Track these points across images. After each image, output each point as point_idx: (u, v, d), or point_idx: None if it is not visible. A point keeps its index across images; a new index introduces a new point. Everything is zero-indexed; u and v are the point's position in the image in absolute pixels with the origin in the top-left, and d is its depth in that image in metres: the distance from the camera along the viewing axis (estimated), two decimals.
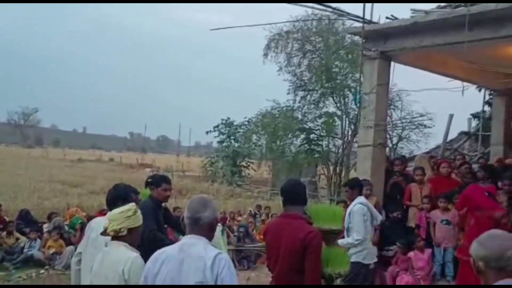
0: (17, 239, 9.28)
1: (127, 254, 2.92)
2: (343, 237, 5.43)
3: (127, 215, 2.98)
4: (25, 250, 8.96)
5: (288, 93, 20.06)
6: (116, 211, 3.03)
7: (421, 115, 18.63)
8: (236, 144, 22.08)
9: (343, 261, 3.85)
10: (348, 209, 5.61)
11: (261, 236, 11.11)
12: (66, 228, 9.93)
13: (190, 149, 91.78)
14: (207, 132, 22.88)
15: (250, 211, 13.38)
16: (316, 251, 3.41)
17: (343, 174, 19.57)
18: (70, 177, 21.85)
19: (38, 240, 9.20)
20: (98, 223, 3.58)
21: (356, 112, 18.27)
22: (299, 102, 19.87)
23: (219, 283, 2.40)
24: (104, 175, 25.00)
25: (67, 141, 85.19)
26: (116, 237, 2.97)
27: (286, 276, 3.49)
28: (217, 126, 22.42)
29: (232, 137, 22.31)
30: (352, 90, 18.09)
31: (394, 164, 7.79)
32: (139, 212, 3.07)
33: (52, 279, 8.17)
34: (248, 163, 22.12)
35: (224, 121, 22.27)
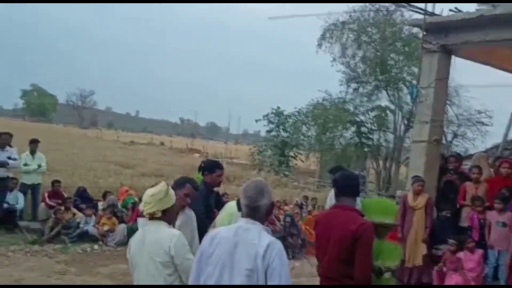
0: (74, 214, 9.70)
1: (170, 232, 3.02)
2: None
3: (158, 197, 3.04)
4: (81, 225, 9.37)
5: (340, 85, 19.82)
6: (148, 193, 3.10)
7: (479, 112, 17.90)
8: (285, 134, 22.07)
9: (394, 255, 3.80)
10: None
11: (307, 227, 11.11)
12: (119, 207, 10.29)
13: (238, 137, 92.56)
14: (256, 121, 23.00)
15: (297, 201, 13.37)
16: (367, 244, 3.39)
17: (393, 170, 19.18)
18: (123, 159, 22.52)
19: (93, 217, 9.59)
20: None
21: (410, 107, 17.84)
22: (351, 94, 19.59)
23: (269, 273, 2.38)
24: (155, 158, 25.63)
25: (120, 124, 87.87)
26: (152, 218, 3.06)
27: (334, 266, 3.48)
28: (267, 115, 22.47)
29: (281, 127, 22.31)
30: (407, 84, 17.63)
31: (449, 161, 7.58)
32: (171, 191, 3.13)
33: (105, 254, 8.53)
34: (296, 154, 22.05)
35: (274, 111, 22.30)
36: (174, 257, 2.91)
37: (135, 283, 3.08)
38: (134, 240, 3.12)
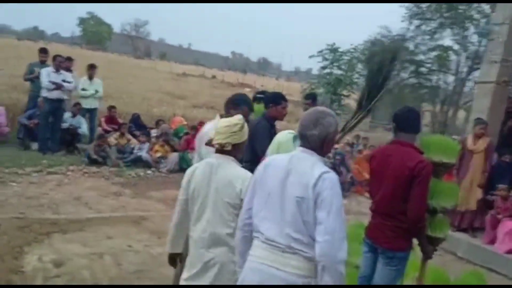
0: (128, 140, 10.02)
1: (242, 172, 2.87)
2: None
3: (233, 130, 2.90)
4: (135, 151, 9.68)
5: (402, 21, 18.73)
6: (223, 123, 2.94)
7: None
8: (339, 72, 21.44)
9: (451, 195, 3.68)
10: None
11: (356, 166, 11.02)
12: (172, 135, 10.52)
13: (289, 74, 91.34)
14: (310, 57, 22.31)
15: (348, 140, 13.19)
16: (425, 181, 3.28)
17: (450, 114, 18.42)
18: (175, 89, 22.83)
19: (147, 144, 9.87)
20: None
21: (476, 47, 16.78)
22: (413, 32, 18.55)
23: (319, 202, 2.31)
24: (206, 90, 25.84)
25: (172, 55, 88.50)
26: (221, 151, 2.92)
27: (388, 202, 3.42)
28: (321, 51, 21.78)
29: (335, 64, 21.64)
30: (475, 22, 16.45)
31: None
32: (245, 127, 2.97)
33: (158, 179, 8.84)
34: (349, 93, 21.48)
35: (329, 47, 21.57)
36: (242, 199, 2.76)
37: (193, 215, 2.95)
38: (199, 170, 2.95)
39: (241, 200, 2.75)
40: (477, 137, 6.73)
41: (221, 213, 2.83)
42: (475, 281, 4.67)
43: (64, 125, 9.55)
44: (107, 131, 10.25)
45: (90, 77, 10.30)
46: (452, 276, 4.78)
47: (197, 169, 2.98)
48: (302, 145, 2.52)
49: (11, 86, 12.37)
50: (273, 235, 2.42)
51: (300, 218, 2.35)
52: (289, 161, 2.49)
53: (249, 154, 4.45)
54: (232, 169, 2.88)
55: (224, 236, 2.83)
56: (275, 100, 4.62)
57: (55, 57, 9.28)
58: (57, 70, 9.12)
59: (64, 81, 9.11)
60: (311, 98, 6.17)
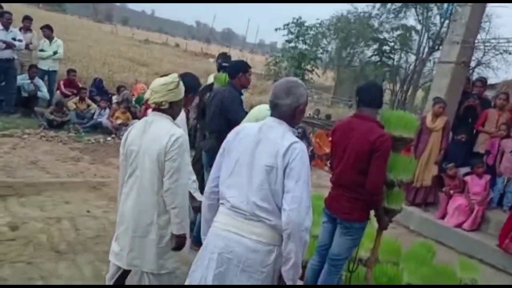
0: (89, 105, 9.77)
1: (173, 128, 2.86)
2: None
3: (169, 88, 2.88)
4: (95, 116, 9.45)
5: None
6: (158, 82, 2.91)
7: (508, 41, 17.14)
8: (304, 46, 21.47)
9: (408, 169, 3.80)
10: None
11: (317, 140, 11.19)
12: (133, 102, 10.31)
13: (254, 46, 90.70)
14: (276, 30, 22.21)
15: (310, 114, 13.33)
16: (384, 155, 3.36)
17: (409, 93, 18.86)
18: (138, 56, 22.30)
19: (107, 110, 9.64)
20: None
21: (438, 29, 17.14)
22: (378, 10, 18.70)
23: (287, 171, 2.33)
24: (169, 58, 25.35)
25: (135, 21, 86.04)
26: (157, 109, 2.91)
27: (348, 175, 3.50)
28: (287, 25, 21.70)
29: (300, 38, 21.62)
30: (438, 4, 16.75)
31: (475, 85, 7.36)
32: (181, 84, 2.97)
33: (117, 146, 8.67)
34: (313, 67, 21.58)
35: (295, 20, 21.49)
36: (167, 154, 2.77)
37: (128, 170, 2.93)
38: (135, 128, 2.96)
39: (165, 153, 2.77)
40: (436, 115, 6.93)
41: (148, 168, 2.83)
42: (424, 252, 4.88)
43: (22, 86, 9.18)
44: (66, 95, 9.93)
45: (48, 38, 9.89)
46: (404, 247, 4.98)
47: (132, 128, 2.99)
48: (273, 115, 2.53)
49: None
50: (239, 203, 2.43)
51: (268, 187, 2.37)
52: (259, 130, 2.49)
53: (222, 124, 4.42)
54: (164, 125, 2.88)
55: (146, 193, 2.85)
56: (244, 68, 4.58)
57: (2, 14, 8.82)
58: (6, 28, 8.68)
59: (14, 39, 8.71)
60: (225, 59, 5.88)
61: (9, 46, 8.56)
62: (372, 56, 19.08)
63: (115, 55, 19.91)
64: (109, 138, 8.97)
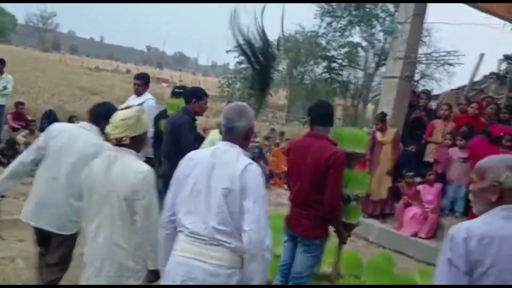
0: (38, 138, 9.49)
1: (139, 165, 2.79)
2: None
3: (129, 123, 2.80)
4: None
5: (314, 18, 19.37)
6: (118, 117, 2.82)
7: (448, 53, 18.03)
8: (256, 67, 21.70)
9: (362, 183, 3.92)
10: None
11: (274, 158, 11.30)
12: None
13: (206, 68, 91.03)
14: (227, 51, 22.43)
15: (265, 134, 13.49)
16: (339, 171, 3.47)
17: (360, 107, 19.44)
18: (88, 84, 21.91)
19: None
20: (61, 131, 3.45)
21: (382, 44, 17.85)
22: (325, 29, 19.28)
23: (244, 193, 2.39)
24: (121, 85, 25.03)
25: (84, 49, 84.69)
26: (119, 144, 2.83)
27: (305, 193, 3.57)
28: (238, 46, 21.88)
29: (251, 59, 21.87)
30: (381, 20, 17.46)
31: (420, 97, 7.71)
32: (143, 117, 2.89)
33: None
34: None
35: (245, 42, 21.71)
36: (137, 192, 2.70)
37: (89, 210, 2.83)
38: (96, 165, 2.85)
39: (135, 193, 2.71)
40: (379, 130, 7.19)
41: (118, 208, 2.75)
42: (384, 263, 5.01)
43: None
44: (14, 129, 9.62)
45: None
46: (364, 259, 5.09)
47: (92, 166, 2.87)
48: (225, 139, 2.59)
49: None
50: (197, 228, 2.45)
51: (226, 209, 2.40)
52: (213, 154, 2.55)
53: (172, 148, 4.45)
54: (129, 163, 2.80)
55: (118, 232, 2.77)
56: (198, 95, 4.65)
57: None
58: None
59: None
60: (142, 79, 6.18)
61: None
62: (322, 73, 19.59)
63: (65, 84, 19.50)
64: None
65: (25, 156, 3.58)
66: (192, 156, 2.63)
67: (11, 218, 5.74)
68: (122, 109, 2.94)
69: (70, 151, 3.32)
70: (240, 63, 22.33)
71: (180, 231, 2.54)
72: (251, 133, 2.65)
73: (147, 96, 5.99)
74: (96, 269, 2.81)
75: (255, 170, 2.46)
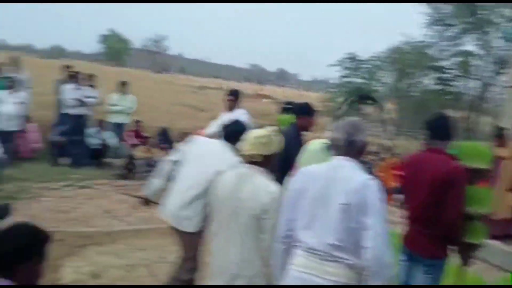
0: (154, 153, 10.15)
1: (269, 185, 2.82)
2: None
3: (262, 141, 2.86)
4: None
5: (423, 28, 18.58)
6: (252, 135, 2.91)
7: None
8: (360, 81, 21.37)
9: (487, 201, 3.64)
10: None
11: (382, 174, 10.93)
12: None
13: (307, 83, 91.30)
14: (329, 66, 22.35)
15: (372, 149, 13.11)
16: (460, 188, 3.27)
17: (473, 119, 18.14)
18: (195, 102, 23.02)
19: None
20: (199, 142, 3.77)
21: (500, 52, 16.58)
22: (434, 38, 18.38)
23: (365, 208, 2.35)
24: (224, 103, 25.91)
25: (191, 69, 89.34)
26: (251, 162, 2.89)
27: (424, 210, 3.40)
28: (341, 60, 21.78)
29: (355, 73, 21.58)
30: (496, 26, 16.24)
31: None
32: (277, 138, 2.94)
33: None
34: (371, 101, 21.34)
35: (349, 56, 21.54)
36: (266, 212, 2.75)
37: (216, 224, 2.94)
38: (225, 180, 2.93)
39: (265, 212, 2.75)
40: (498, 146, 6.71)
41: (246, 225, 2.82)
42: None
43: (93, 141, 9.73)
44: (133, 145, 10.40)
45: (123, 93, 10.49)
46: (487, 283, 4.71)
47: (223, 179, 2.96)
48: (342, 153, 2.56)
49: (39, 104, 12.64)
50: (314, 244, 2.44)
51: (345, 225, 2.38)
52: (329, 169, 2.54)
53: (280, 162, 4.50)
54: (260, 181, 2.84)
55: (249, 249, 2.83)
56: (307, 111, 4.67)
57: (75, 74, 9.48)
58: (78, 86, 9.29)
59: (86, 96, 9.29)
60: (233, 95, 6.35)
61: (81, 103, 9.14)
62: (432, 84, 18.66)
63: (174, 103, 20.66)
64: None
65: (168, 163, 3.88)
66: (308, 170, 2.64)
67: (132, 228, 6.18)
68: (257, 128, 3.06)
69: (205, 165, 3.50)
70: (344, 77, 22.07)
71: (297, 246, 2.54)
72: (366, 148, 2.62)
73: (239, 111, 6.14)
74: (226, 282, 2.89)
75: (375, 185, 2.42)
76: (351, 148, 2.55)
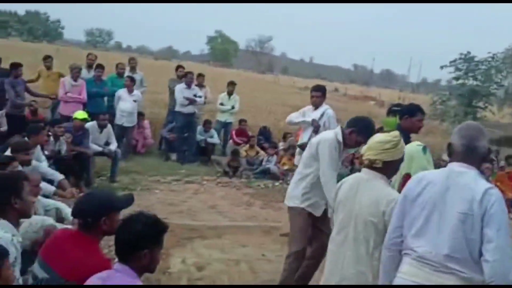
0: (257, 152, 10.35)
1: (390, 193, 2.76)
2: None
3: (385, 147, 2.78)
4: (263, 163, 9.96)
5: None
6: (374, 139, 2.85)
7: None
8: (474, 83, 19.95)
9: None
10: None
11: (497, 183, 10.12)
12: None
13: (415, 85, 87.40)
14: (441, 67, 21.07)
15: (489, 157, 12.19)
16: None
17: None
18: (299, 103, 23.06)
19: (275, 156, 10.10)
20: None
21: None
22: None
23: (486, 218, 2.20)
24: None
25: (294, 70, 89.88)
26: (371, 167, 2.83)
27: None
28: (454, 61, 20.48)
29: (470, 74, 20.18)
30: None
31: None
32: (401, 145, 2.84)
33: (285, 192, 8.94)
34: (486, 105, 19.87)
35: (463, 56, 20.20)
36: (386, 221, 2.67)
37: (335, 226, 2.97)
38: (347, 183, 2.93)
39: (384, 221, 2.70)
40: None
41: (362, 231, 2.79)
42: None
43: (199, 138, 10.19)
44: (237, 143, 10.71)
45: (230, 93, 10.87)
46: None
47: (344, 183, 2.97)
48: (461, 159, 2.42)
49: (152, 101, 13.52)
50: (427, 253, 2.34)
51: (462, 235, 2.25)
52: (447, 176, 2.41)
53: None
54: (380, 187, 2.79)
55: (362, 256, 2.79)
56: (410, 111, 4.47)
57: (186, 74, 9.94)
58: (189, 86, 9.74)
59: (195, 95, 9.72)
60: (321, 91, 6.12)
61: (191, 102, 9.60)
62: None
63: (278, 103, 20.91)
64: (277, 184, 9.31)
65: None
66: (423, 176, 2.53)
67: (235, 224, 6.36)
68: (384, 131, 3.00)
69: None
70: (457, 78, 20.81)
71: (407, 253, 2.46)
72: (488, 155, 2.46)
73: (324, 106, 6.05)
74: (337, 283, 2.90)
75: (497, 195, 2.26)
76: (472, 154, 2.40)
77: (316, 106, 6.07)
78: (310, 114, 6.07)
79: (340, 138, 3.97)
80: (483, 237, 2.20)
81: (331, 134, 4.05)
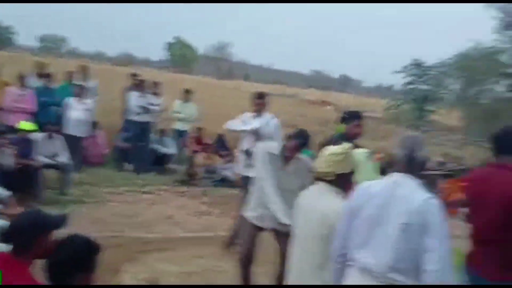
0: (214, 159, 10.33)
1: (339, 205, 2.73)
2: None
3: (337, 158, 2.79)
4: (219, 170, 9.92)
5: (494, 33, 17.71)
6: (326, 151, 2.84)
7: None
8: (425, 87, 20.66)
9: None
10: None
11: (447, 185, 10.45)
12: None
13: (370, 90, 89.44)
14: (394, 73, 21.78)
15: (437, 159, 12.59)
16: None
17: None
18: None
19: (231, 164, 10.06)
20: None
21: None
22: (507, 43, 17.47)
23: (426, 228, 2.26)
24: (286, 109, 25.88)
25: (255, 75, 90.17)
26: (323, 179, 2.83)
27: (491, 230, 3.20)
28: (406, 67, 21.16)
29: (420, 80, 20.89)
30: None
31: None
32: (352, 156, 2.86)
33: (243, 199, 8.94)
34: (436, 109, 20.59)
35: (414, 62, 20.88)
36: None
37: (297, 237, 3.00)
38: (309, 191, 2.95)
39: (332, 232, 2.70)
40: None
41: (315, 243, 2.81)
42: None
43: (156, 147, 10.05)
44: (194, 151, 10.62)
45: (186, 101, 10.76)
46: None
47: (307, 192, 3.00)
48: (403, 169, 2.47)
49: (107, 110, 13.21)
50: (370, 264, 2.38)
51: (404, 246, 2.30)
52: (389, 186, 2.45)
53: None
54: (330, 200, 2.80)
55: (314, 268, 2.83)
56: (348, 118, 4.58)
57: (140, 82, 9.81)
58: (143, 94, 9.60)
59: (150, 104, 9.59)
60: (262, 98, 6.11)
61: (146, 110, 9.46)
62: (504, 92, 17.72)
63: (238, 109, 20.84)
64: (235, 191, 9.27)
65: None
66: (367, 187, 2.57)
67: (192, 235, 6.29)
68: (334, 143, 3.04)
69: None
70: (409, 83, 21.46)
71: (351, 265, 2.49)
72: (426, 164, 2.52)
73: (269, 115, 5.99)
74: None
75: (437, 204, 2.31)
76: (411, 164, 2.45)
77: (259, 113, 5.99)
78: (251, 121, 6.00)
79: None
80: (425, 246, 2.25)
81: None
